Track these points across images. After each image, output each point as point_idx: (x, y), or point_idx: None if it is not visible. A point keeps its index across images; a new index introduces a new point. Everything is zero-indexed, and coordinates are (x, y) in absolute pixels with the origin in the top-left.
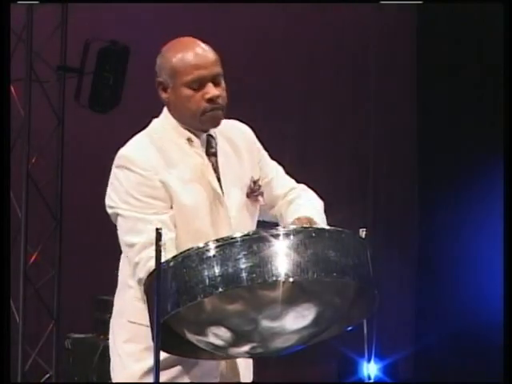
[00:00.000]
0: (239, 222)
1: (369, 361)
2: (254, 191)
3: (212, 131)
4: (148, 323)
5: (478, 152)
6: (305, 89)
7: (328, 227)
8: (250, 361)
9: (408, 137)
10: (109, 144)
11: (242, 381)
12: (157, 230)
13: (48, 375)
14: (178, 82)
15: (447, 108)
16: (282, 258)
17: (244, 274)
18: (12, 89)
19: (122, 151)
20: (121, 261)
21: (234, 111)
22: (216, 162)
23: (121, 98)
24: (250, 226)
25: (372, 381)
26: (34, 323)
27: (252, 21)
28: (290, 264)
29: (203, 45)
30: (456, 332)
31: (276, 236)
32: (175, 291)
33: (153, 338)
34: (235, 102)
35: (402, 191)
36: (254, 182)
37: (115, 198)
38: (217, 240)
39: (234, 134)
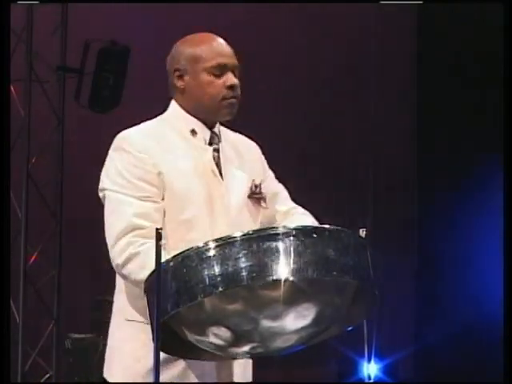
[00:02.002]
0: (239, 217)
1: (369, 361)
2: (255, 193)
3: (217, 130)
4: (146, 320)
5: (477, 152)
6: (305, 89)
7: (328, 226)
8: (250, 361)
9: (408, 137)
10: (109, 144)
11: (239, 381)
12: (157, 229)
13: (48, 375)
14: (200, 68)
15: (447, 108)
16: (282, 257)
17: (244, 274)
18: (12, 89)
19: (121, 133)
20: None
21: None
22: (218, 157)
23: (121, 98)
24: (249, 225)
25: (372, 381)
26: (33, 323)
27: (251, 21)
28: (290, 263)
29: (223, 40)
30: (456, 332)
31: (276, 235)
32: (175, 291)
33: (153, 339)
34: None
35: (402, 191)
36: (256, 186)
37: (105, 180)
38: (216, 240)
39: (240, 144)
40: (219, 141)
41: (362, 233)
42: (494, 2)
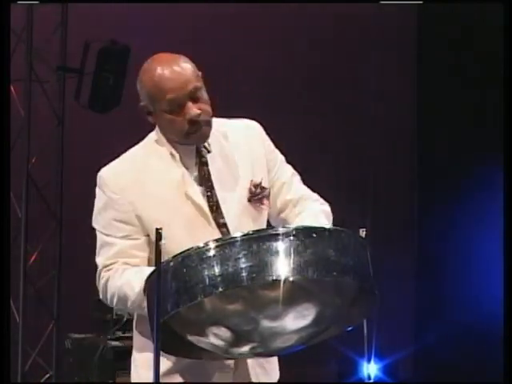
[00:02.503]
0: (238, 228)
1: (369, 361)
2: (255, 195)
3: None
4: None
5: (477, 152)
6: (304, 88)
7: (328, 227)
8: (274, 359)
9: (408, 137)
10: (109, 144)
11: (258, 380)
12: (157, 230)
13: (48, 375)
14: (157, 108)
15: (447, 108)
16: (282, 257)
17: (244, 274)
18: (12, 89)
19: (101, 171)
20: None
21: (234, 110)
22: (208, 171)
23: (121, 98)
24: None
25: (372, 381)
26: (33, 323)
27: (251, 21)
28: (290, 263)
29: (176, 61)
30: (456, 332)
31: (276, 235)
32: (175, 291)
33: (153, 339)
34: (235, 101)
35: (402, 191)
36: (255, 186)
37: (93, 214)
38: (217, 240)
39: (235, 133)
40: (208, 151)
41: (362, 233)
42: (494, 1)
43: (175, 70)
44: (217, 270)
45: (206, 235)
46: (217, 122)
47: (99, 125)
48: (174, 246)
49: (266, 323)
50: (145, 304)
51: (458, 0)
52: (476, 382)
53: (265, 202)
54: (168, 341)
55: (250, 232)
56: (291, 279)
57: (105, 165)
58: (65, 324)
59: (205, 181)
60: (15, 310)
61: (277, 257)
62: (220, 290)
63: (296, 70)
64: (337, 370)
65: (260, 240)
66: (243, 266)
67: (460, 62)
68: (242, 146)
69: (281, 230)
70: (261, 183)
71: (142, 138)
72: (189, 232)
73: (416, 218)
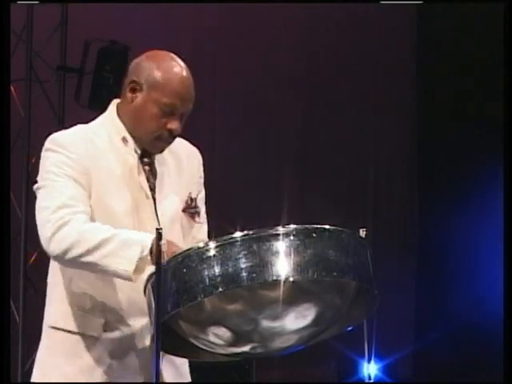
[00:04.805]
0: (168, 231)
1: (369, 361)
2: (190, 207)
3: None
4: (68, 328)
5: (477, 152)
6: (304, 88)
7: (328, 227)
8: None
9: (408, 137)
10: None
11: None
12: (157, 229)
13: None
14: (154, 96)
15: (447, 108)
16: (282, 257)
17: (244, 274)
18: (12, 89)
19: (52, 135)
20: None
21: (234, 109)
22: (153, 168)
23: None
24: (179, 240)
25: (372, 381)
26: (34, 323)
27: (251, 21)
28: (290, 264)
29: (190, 77)
30: (456, 332)
31: (276, 236)
32: (175, 291)
33: (153, 339)
34: (236, 100)
35: (402, 191)
36: (191, 199)
37: (38, 179)
38: (217, 240)
39: (181, 150)
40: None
41: (362, 233)
42: (494, 2)
43: (190, 83)
44: (217, 270)
45: (147, 225)
46: None
47: None
48: (115, 223)
49: (265, 323)
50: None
51: (458, 0)
52: (476, 382)
53: (196, 219)
54: (168, 341)
55: (251, 232)
56: (291, 279)
57: None
58: None
59: (150, 177)
60: (15, 310)
61: (277, 257)
62: (220, 290)
63: (295, 70)
64: (337, 370)
65: (260, 240)
66: (243, 266)
67: (460, 61)
68: (185, 163)
69: (281, 230)
70: (196, 199)
71: None
72: (133, 218)
73: (416, 218)
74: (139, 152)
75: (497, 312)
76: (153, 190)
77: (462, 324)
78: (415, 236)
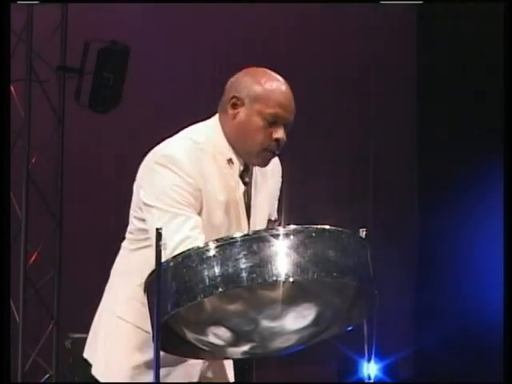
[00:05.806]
0: None
1: (369, 361)
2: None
3: None
4: (137, 324)
5: (477, 152)
6: (304, 88)
7: (328, 227)
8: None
9: (408, 137)
10: (109, 144)
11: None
12: (157, 229)
13: (48, 375)
14: (257, 108)
15: (447, 108)
16: (282, 257)
17: (244, 274)
18: (12, 89)
19: (167, 149)
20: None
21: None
22: (249, 192)
23: (121, 98)
24: None
25: (372, 381)
26: (34, 323)
27: (251, 21)
28: (290, 264)
29: (290, 90)
30: (456, 332)
31: (276, 236)
32: (175, 291)
33: (153, 338)
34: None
35: (402, 191)
36: (269, 221)
37: (147, 194)
38: (217, 240)
39: (270, 168)
40: (251, 173)
41: (362, 233)
42: (494, 2)
43: (290, 95)
44: (217, 270)
45: None
46: None
47: (99, 125)
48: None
49: (265, 323)
50: None
51: (458, 0)
52: (476, 383)
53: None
54: (168, 341)
55: (250, 232)
56: (291, 280)
57: (105, 164)
58: (65, 324)
59: (246, 196)
60: (15, 310)
61: (277, 257)
62: (220, 290)
63: (295, 69)
64: (337, 370)
65: (260, 240)
66: (243, 266)
67: (460, 61)
68: (269, 174)
69: (281, 231)
70: (273, 221)
71: (142, 138)
72: (229, 231)
73: (416, 217)
74: (241, 169)
75: (496, 312)
76: (248, 209)
77: (462, 324)
78: (415, 236)
